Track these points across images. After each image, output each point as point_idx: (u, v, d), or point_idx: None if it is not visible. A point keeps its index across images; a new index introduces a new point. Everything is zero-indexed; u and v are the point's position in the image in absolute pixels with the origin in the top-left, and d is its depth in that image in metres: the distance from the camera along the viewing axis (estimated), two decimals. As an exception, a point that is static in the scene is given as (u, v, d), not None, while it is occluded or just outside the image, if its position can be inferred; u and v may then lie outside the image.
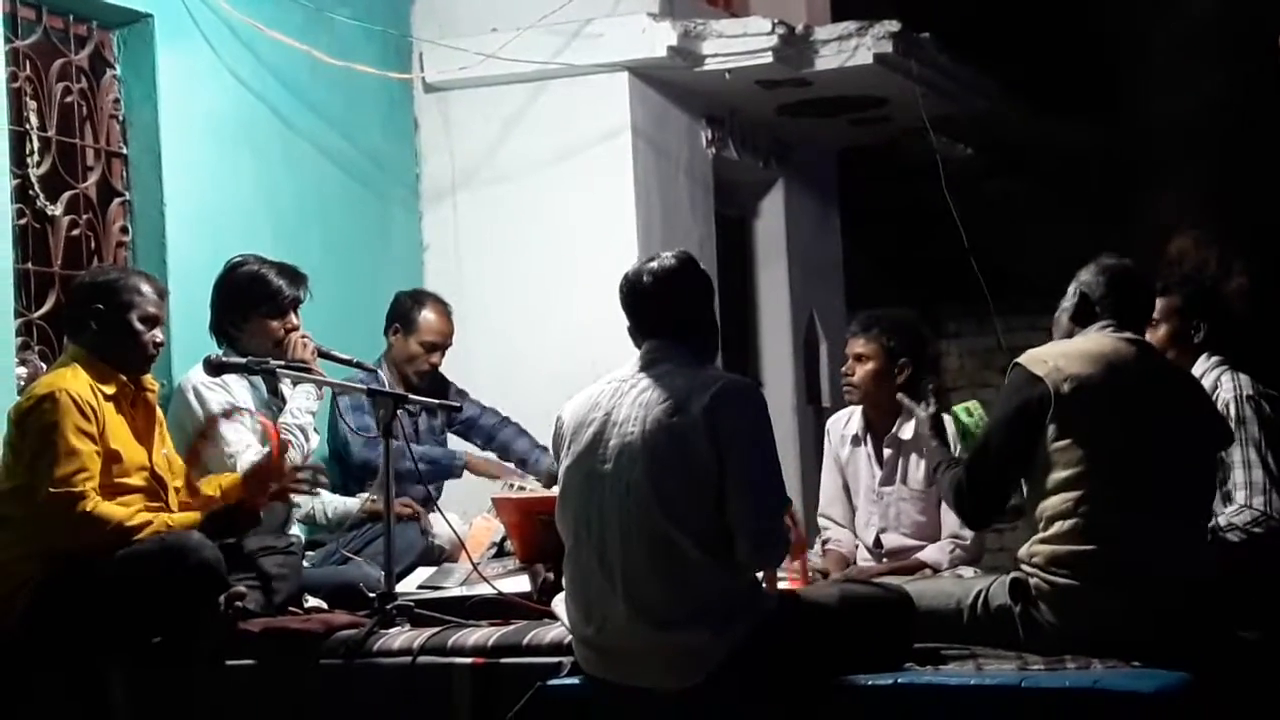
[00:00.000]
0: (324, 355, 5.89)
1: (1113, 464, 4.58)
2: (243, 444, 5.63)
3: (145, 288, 5.24)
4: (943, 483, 4.98)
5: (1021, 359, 4.74)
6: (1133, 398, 4.66)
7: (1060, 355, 4.70)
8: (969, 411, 5.37)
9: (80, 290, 5.28)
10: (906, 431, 5.93)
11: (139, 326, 5.20)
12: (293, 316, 5.88)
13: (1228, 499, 5.44)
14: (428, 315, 6.60)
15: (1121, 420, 4.62)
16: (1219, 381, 5.52)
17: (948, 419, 5.38)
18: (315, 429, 5.85)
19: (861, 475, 6.12)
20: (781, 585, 4.77)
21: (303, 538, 5.89)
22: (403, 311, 6.63)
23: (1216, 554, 4.96)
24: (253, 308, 5.84)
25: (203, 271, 5.97)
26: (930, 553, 5.88)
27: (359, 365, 5.95)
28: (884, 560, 5.94)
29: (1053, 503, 4.62)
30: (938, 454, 5.16)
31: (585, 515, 4.46)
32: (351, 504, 6.12)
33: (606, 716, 4.48)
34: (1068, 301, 4.94)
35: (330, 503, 6.12)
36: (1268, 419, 5.50)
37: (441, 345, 6.63)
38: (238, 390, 5.73)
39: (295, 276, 5.93)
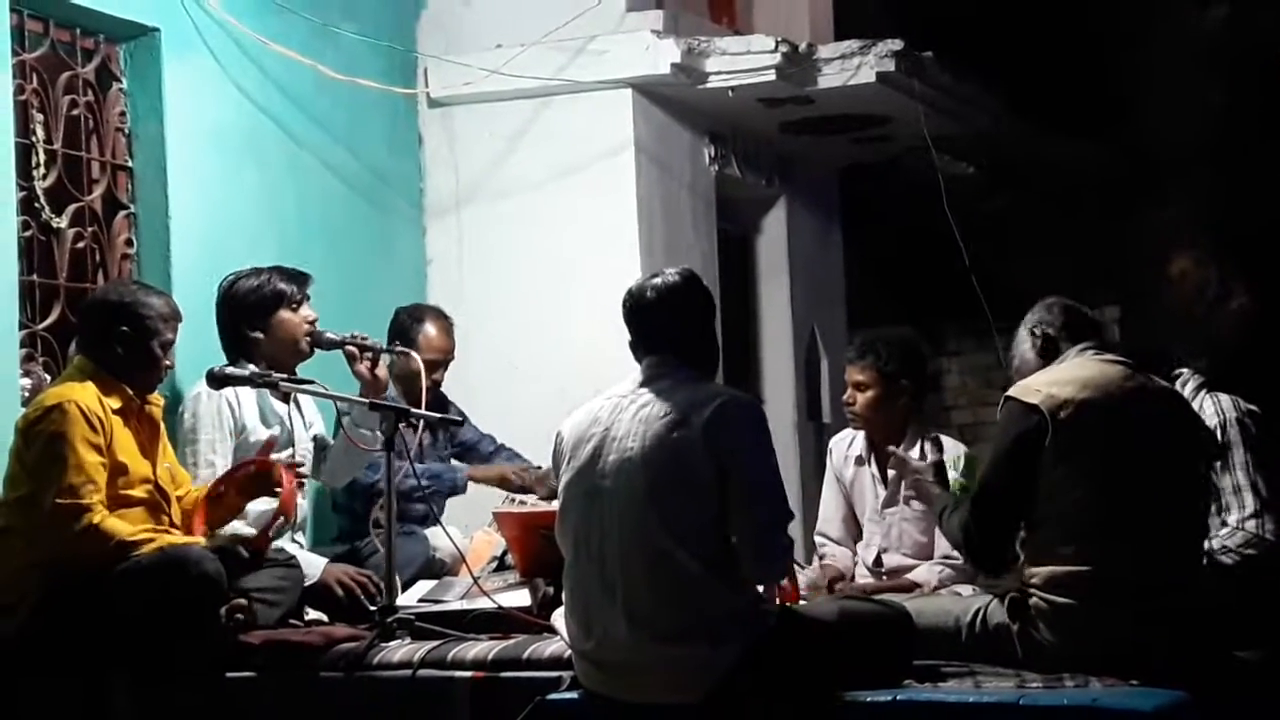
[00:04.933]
0: (366, 348, 5.87)
1: (1109, 484, 4.60)
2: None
3: (168, 314, 5.29)
4: (949, 526, 4.99)
5: (1012, 391, 4.77)
6: (1124, 417, 4.68)
7: (1050, 383, 4.72)
8: (953, 464, 5.41)
9: (104, 308, 5.29)
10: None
11: (159, 353, 5.24)
12: (308, 309, 5.88)
13: (1221, 523, 5.45)
14: (428, 331, 6.51)
15: (1116, 440, 4.64)
16: (1201, 406, 5.50)
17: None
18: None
19: (866, 495, 6.12)
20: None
21: (305, 545, 5.90)
22: (402, 330, 6.52)
23: (1213, 576, 4.97)
24: (275, 307, 5.79)
25: (207, 284, 5.97)
26: (920, 572, 5.88)
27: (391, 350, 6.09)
28: (882, 579, 5.95)
29: (1050, 523, 4.64)
30: (942, 500, 5.18)
31: (585, 530, 4.47)
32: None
33: (606, 731, 4.49)
34: (1026, 343, 4.99)
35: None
36: (1254, 439, 5.50)
37: (442, 362, 6.52)
38: (245, 400, 5.73)
39: (290, 272, 5.90)
